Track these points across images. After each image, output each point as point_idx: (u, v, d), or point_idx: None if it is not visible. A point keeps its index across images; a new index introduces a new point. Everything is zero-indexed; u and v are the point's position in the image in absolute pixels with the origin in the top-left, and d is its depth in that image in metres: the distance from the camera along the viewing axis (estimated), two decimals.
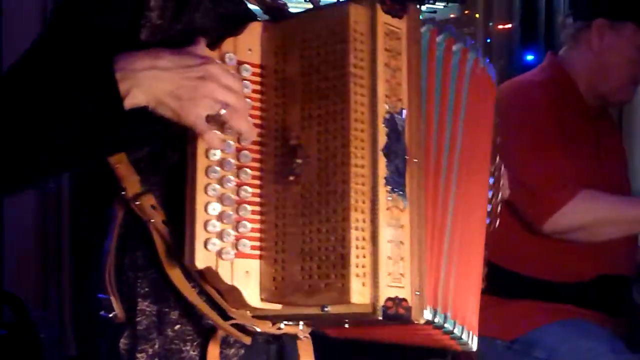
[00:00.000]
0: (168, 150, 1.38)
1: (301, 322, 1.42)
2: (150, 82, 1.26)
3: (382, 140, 1.33)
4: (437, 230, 1.43)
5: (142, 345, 1.39)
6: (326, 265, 1.30)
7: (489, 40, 3.93)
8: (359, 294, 1.28)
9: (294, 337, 1.47)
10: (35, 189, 1.40)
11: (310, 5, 1.50)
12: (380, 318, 1.29)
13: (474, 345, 1.51)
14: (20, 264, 3.39)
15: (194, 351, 1.40)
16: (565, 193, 2.46)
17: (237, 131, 1.32)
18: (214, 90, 1.28)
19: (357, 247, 1.29)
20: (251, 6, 1.52)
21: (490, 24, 3.95)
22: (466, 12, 4.02)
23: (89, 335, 1.46)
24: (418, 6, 1.41)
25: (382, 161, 1.32)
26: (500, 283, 2.43)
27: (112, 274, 1.38)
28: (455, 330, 1.45)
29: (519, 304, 2.52)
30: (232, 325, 1.38)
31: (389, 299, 1.30)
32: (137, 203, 1.37)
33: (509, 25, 3.90)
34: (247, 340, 1.39)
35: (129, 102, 1.26)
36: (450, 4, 3.98)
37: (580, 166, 2.55)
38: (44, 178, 1.37)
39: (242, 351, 1.43)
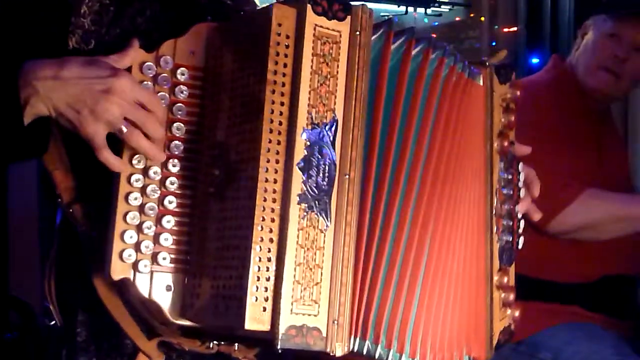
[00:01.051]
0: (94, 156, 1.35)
1: (236, 343, 1.34)
2: (50, 92, 1.23)
3: (300, 154, 1.21)
4: (378, 253, 1.29)
5: (82, 357, 1.38)
6: (230, 285, 1.21)
7: (494, 43, 3.88)
8: (255, 321, 1.18)
9: None
10: None
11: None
12: (279, 347, 1.18)
13: None
14: (26, 268, 3.50)
15: None
16: (569, 192, 2.41)
17: (141, 151, 1.25)
18: (116, 106, 1.22)
19: (258, 269, 1.19)
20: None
21: (496, 27, 3.93)
22: (472, 15, 3.98)
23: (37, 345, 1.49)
24: (365, 5, 1.27)
25: (297, 177, 1.21)
26: None
27: (52, 282, 1.38)
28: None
29: (524, 306, 2.32)
30: (160, 342, 1.33)
31: (293, 327, 1.19)
32: (70, 211, 1.35)
33: (515, 28, 3.87)
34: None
35: (29, 112, 1.24)
36: (455, 7, 3.95)
37: (581, 165, 2.52)
38: None
39: None
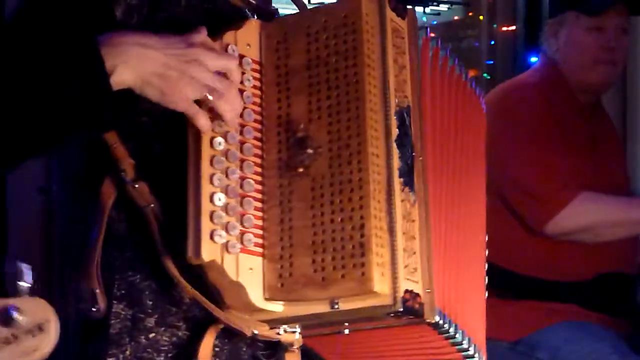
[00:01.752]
0: (154, 143, 1.33)
1: (298, 330, 1.34)
2: (137, 60, 1.20)
3: (395, 131, 1.30)
4: (437, 231, 1.38)
5: (113, 350, 1.30)
6: (342, 256, 1.24)
7: (492, 43, 3.90)
8: (380, 283, 1.22)
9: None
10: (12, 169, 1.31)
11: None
12: (401, 309, 1.23)
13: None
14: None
15: None
16: (565, 194, 2.45)
17: (224, 117, 1.26)
18: (201, 73, 1.23)
19: (376, 236, 1.23)
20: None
21: (494, 26, 3.88)
22: (470, 14, 3.99)
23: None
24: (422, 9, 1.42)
25: (395, 152, 1.29)
26: (502, 284, 2.45)
27: (99, 267, 1.29)
28: (464, 342, 1.39)
29: (522, 305, 2.50)
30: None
31: (407, 291, 1.25)
32: (137, 186, 1.29)
33: (513, 27, 3.84)
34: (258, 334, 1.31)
35: (116, 80, 1.20)
36: (454, 6, 3.93)
37: (577, 165, 2.55)
38: (23, 157, 1.27)
39: None
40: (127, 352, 1.30)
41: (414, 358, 1.45)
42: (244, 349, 1.37)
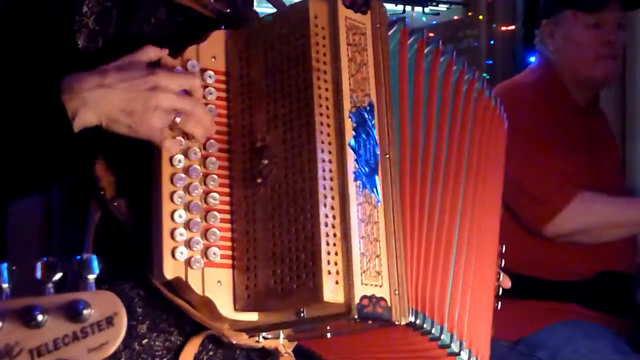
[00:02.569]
0: (129, 156, 1.35)
1: (281, 336, 1.35)
2: (99, 101, 1.24)
3: (349, 134, 1.28)
4: (418, 229, 1.35)
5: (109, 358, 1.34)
6: (297, 266, 1.24)
7: (492, 42, 3.91)
8: (331, 292, 1.21)
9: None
10: None
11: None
12: (356, 317, 1.21)
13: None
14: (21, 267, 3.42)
15: None
16: (563, 196, 2.46)
17: (195, 136, 1.29)
18: (164, 100, 1.25)
19: (327, 244, 1.22)
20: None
21: (494, 25, 3.93)
22: (469, 14, 4.00)
23: None
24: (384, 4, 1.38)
25: (350, 156, 1.27)
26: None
27: None
28: (443, 336, 1.36)
29: (522, 305, 2.46)
30: (206, 337, 1.33)
31: (365, 297, 1.23)
32: (115, 204, 1.34)
33: (512, 27, 3.88)
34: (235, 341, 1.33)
35: (78, 123, 1.23)
36: (453, 6, 3.96)
37: (573, 164, 2.55)
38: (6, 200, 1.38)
39: None
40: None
41: (404, 355, 1.43)
42: (238, 352, 1.40)
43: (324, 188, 1.24)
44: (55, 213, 1.59)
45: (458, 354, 1.39)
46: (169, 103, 1.25)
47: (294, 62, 1.30)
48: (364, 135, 1.29)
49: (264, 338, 1.35)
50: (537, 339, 2.47)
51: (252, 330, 1.32)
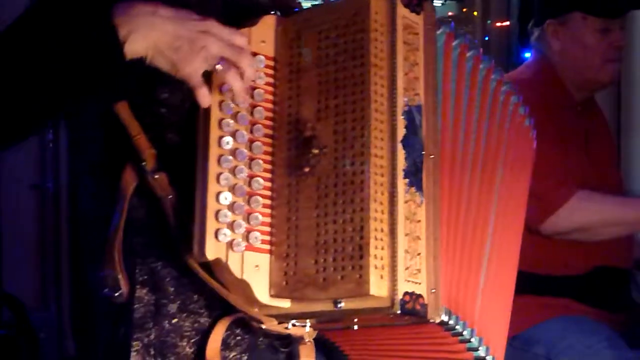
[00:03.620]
0: (171, 134, 1.35)
1: (308, 324, 1.36)
2: (150, 29, 1.23)
3: (401, 132, 1.30)
4: (452, 230, 1.38)
5: (137, 334, 1.34)
6: (342, 257, 1.25)
7: (487, 38, 3.92)
8: (377, 286, 1.23)
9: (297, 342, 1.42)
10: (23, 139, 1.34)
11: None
12: (399, 312, 1.23)
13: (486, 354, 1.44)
14: (19, 264, 3.37)
15: (190, 348, 1.35)
16: (561, 193, 2.45)
17: (234, 89, 1.27)
18: (212, 43, 1.24)
19: (375, 239, 1.24)
20: None
21: (488, 21, 3.95)
22: (464, 10, 4.02)
23: (88, 325, 1.40)
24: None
25: (400, 153, 1.29)
26: None
27: (120, 252, 1.33)
28: (473, 340, 1.39)
29: (517, 301, 2.44)
30: (235, 320, 1.33)
31: (407, 293, 1.25)
32: (157, 177, 1.32)
33: (507, 23, 3.90)
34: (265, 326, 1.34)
35: (129, 48, 1.22)
36: (448, 2, 3.99)
37: (570, 161, 2.55)
38: (35, 125, 1.33)
39: (245, 357, 1.38)
40: (152, 336, 1.34)
41: (427, 354, 1.45)
42: (261, 339, 1.40)
43: (375, 183, 1.26)
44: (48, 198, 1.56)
45: (484, 359, 1.41)
46: (217, 48, 1.24)
47: (351, 55, 1.31)
48: (412, 134, 1.31)
49: (293, 325, 1.36)
50: (533, 334, 2.47)
51: (283, 316, 1.33)
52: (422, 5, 1.37)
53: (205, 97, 1.26)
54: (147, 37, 1.23)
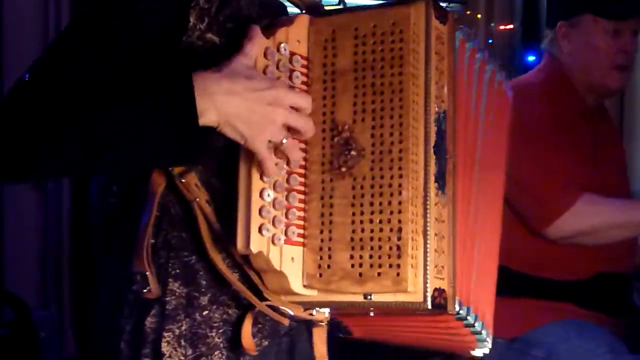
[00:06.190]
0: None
1: (328, 310, 1.46)
2: (225, 105, 1.29)
3: (433, 139, 1.39)
4: (462, 227, 1.49)
5: (169, 325, 1.39)
6: (379, 255, 1.34)
7: (490, 41, 3.93)
8: (413, 284, 1.33)
9: (305, 330, 1.52)
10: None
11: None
12: (430, 307, 1.34)
13: (489, 343, 1.57)
14: (20, 263, 3.32)
15: (218, 338, 1.42)
16: (566, 198, 2.50)
17: (290, 157, 1.36)
18: (281, 117, 1.32)
19: (412, 239, 1.34)
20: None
21: (492, 24, 3.98)
22: (468, 12, 4.00)
23: (110, 317, 1.45)
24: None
25: (432, 159, 1.38)
26: (499, 281, 2.51)
27: (149, 250, 1.38)
28: (476, 325, 1.52)
29: (518, 303, 2.54)
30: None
31: (436, 289, 1.36)
32: (183, 180, 1.38)
33: (511, 26, 3.93)
34: (285, 321, 1.42)
35: (202, 120, 1.28)
36: (452, 4, 3.96)
37: (577, 167, 2.59)
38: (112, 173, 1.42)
39: (266, 342, 1.46)
40: (183, 328, 1.40)
41: (429, 335, 1.57)
42: (279, 326, 1.48)
43: (412, 187, 1.35)
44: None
45: (485, 342, 1.55)
46: (282, 119, 1.32)
47: (389, 63, 1.38)
48: (439, 140, 1.41)
49: (317, 311, 1.45)
50: (533, 337, 2.52)
51: (310, 304, 1.42)
52: (447, 15, 1.45)
53: (272, 169, 1.33)
54: (220, 111, 1.29)
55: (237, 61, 1.32)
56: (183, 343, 1.39)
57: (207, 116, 1.28)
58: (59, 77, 1.31)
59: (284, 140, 1.33)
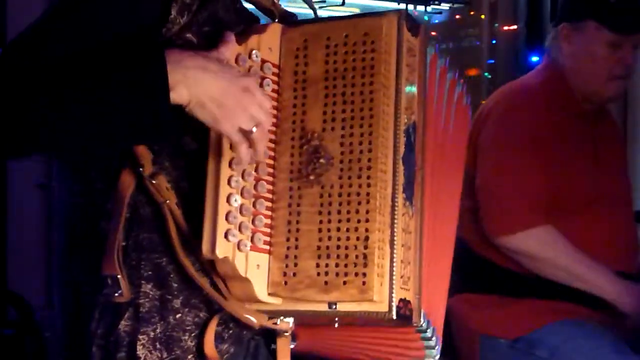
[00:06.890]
0: (187, 138, 1.39)
1: (292, 320, 1.45)
2: (198, 82, 1.28)
3: (402, 149, 1.39)
4: (429, 240, 1.49)
5: (144, 328, 1.38)
6: (345, 263, 1.34)
7: (494, 42, 3.92)
8: (378, 293, 1.33)
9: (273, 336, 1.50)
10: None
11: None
12: (394, 317, 1.34)
13: (437, 353, 1.56)
14: (24, 263, 3.29)
15: (191, 342, 1.41)
16: (533, 217, 2.48)
17: (256, 149, 1.34)
18: (253, 105, 1.31)
19: (378, 249, 1.34)
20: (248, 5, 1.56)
21: (496, 25, 3.96)
22: (472, 13, 4.01)
23: (79, 320, 1.43)
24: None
25: (401, 169, 1.39)
26: (502, 282, 2.53)
27: (120, 254, 1.37)
28: (433, 339, 1.52)
29: (521, 303, 2.52)
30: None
31: (401, 300, 1.36)
32: (154, 182, 1.37)
33: (515, 27, 3.91)
34: (257, 324, 1.41)
35: (174, 97, 1.27)
36: (455, 5, 3.93)
37: (575, 168, 2.56)
38: (81, 153, 1.39)
39: (232, 349, 1.45)
40: (158, 330, 1.39)
41: (380, 344, 1.56)
42: (245, 332, 1.47)
43: (380, 197, 1.35)
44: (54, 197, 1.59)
45: (434, 348, 1.54)
46: (255, 110, 1.31)
47: (360, 72, 1.39)
48: (408, 151, 1.41)
49: (281, 321, 1.44)
50: (536, 337, 2.48)
51: (275, 313, 1.41)
52: (419, 28, 1.46)
53: (244, 154, 1.31)
54: (192, 88, 1.27)
55: (212, 53, 1.33)
56: (158, 346, 1.38)
57: (178, 91, 1.26)
58: (35, 53, 1.29)
59: (254, 129, 1.32)
